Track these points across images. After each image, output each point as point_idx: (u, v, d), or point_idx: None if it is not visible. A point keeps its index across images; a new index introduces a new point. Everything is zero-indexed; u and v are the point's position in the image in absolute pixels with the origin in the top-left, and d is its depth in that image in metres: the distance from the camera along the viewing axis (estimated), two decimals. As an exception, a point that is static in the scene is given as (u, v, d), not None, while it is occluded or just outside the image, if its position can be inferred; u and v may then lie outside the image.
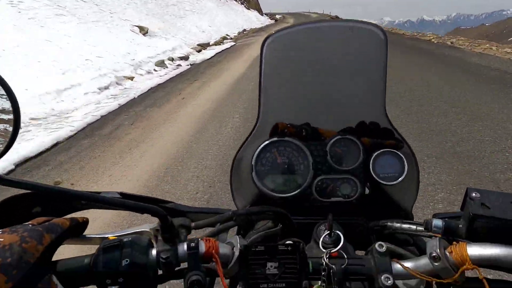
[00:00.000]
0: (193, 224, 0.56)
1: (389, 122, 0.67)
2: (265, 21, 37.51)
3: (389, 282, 0.45)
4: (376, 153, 0.65)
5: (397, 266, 0.47)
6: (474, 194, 0.46)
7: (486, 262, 0.43)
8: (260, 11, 49.69)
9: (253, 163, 0.65)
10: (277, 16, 54.61)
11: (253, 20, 33.14)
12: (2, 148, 0.45)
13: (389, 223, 0.58)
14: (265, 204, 0.61)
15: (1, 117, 0.46)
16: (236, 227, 0.58)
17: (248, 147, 0.68)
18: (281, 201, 0.64)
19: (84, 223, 0.51)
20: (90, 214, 0.53)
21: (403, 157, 0.64)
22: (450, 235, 0.48)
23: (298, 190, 0.65)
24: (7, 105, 0.44)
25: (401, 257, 0.49)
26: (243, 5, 37.85)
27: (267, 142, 0.66)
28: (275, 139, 0.65)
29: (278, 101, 0.70)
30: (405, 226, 0.56)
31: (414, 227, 0.55)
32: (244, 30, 23.99)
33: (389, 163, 0.64)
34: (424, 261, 0.46)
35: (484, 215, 0.44)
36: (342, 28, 0.70)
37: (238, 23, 27.16)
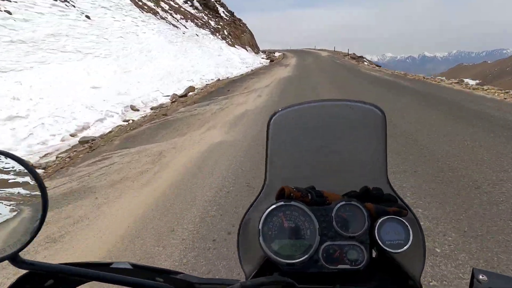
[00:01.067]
0: None
1: (391, 189, 0.71)
2: (255, 62, 26.13)
3: None
4: (381, 220, 0.65)
5: None
6: (481, 277, 0.47)
7: None
8: (255, 47, 39.49)
9: (259, 227, 0.65)
10: (277, 54, 44.42)
11: (235, 62, 21.97)
12: (35, 227, 0.46)
13: None
14: (272, 269, 0.65)
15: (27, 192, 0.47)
16: None
17: (255, 211, 0.71)
18: (289, 267, 0.64)
19: None
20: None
21: (408, 225, 0.65)
22: None
23: (306, 256, 0.64)
24: (32, 182, 0.47)
25: None
26: (224, 41, 27.20)
27: (273, 206, 0.66)
28: (281, 203, 0.66)
29: (283, 166, 0.76)
30: None
31: None
32: (191, 89, 12.01)
33: (395, 230, 0.64)
34: None
35: None
36: (343, 106, 0.77)
37: (201, 70, 15.99)
